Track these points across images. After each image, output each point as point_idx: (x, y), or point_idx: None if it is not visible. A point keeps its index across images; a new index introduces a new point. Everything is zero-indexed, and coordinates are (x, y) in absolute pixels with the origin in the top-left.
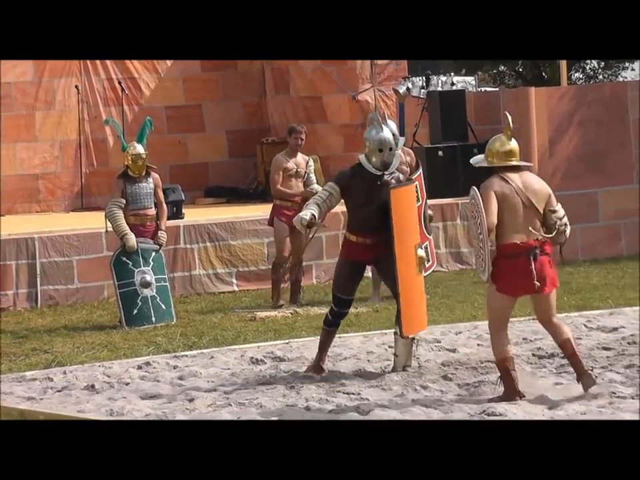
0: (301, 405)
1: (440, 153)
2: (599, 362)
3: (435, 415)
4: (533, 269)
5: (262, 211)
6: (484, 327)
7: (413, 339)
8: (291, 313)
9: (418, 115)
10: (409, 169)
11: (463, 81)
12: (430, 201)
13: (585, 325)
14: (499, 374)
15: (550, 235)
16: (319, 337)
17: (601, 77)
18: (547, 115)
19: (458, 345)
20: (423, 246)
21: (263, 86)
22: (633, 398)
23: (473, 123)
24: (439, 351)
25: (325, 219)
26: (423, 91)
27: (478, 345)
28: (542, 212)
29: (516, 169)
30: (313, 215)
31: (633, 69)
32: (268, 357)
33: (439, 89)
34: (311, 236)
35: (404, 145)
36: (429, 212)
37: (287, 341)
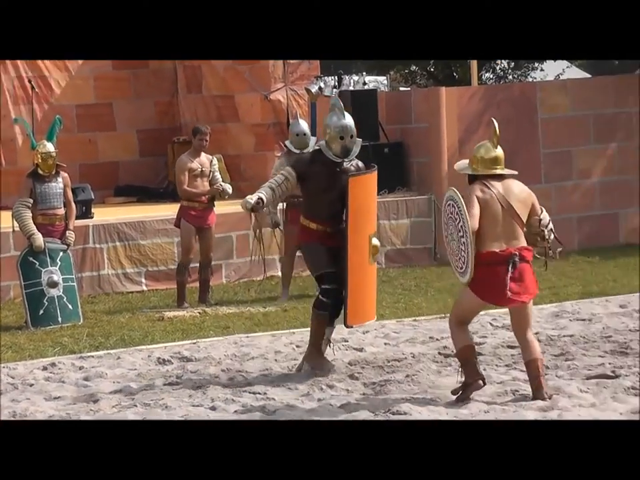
0: (207, 405)
1: None
2: (504, 360)
3: (341, 414)
4: (508, 281)
5: (172, 210)
6: (391, 326)
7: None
8: (199, 313)
9: None
10: None
11: (375, 81)
12: None
13: (490, 324)
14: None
15: (536, 247)
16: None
17: (510, 77)
18: (457, 114)
19: (365, 344)
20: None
21: (175, 85)
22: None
23: (384, 122)
24: (346, 350)
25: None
26: (335, 90)
27: (385, 343)
28: (524, 219)
29: (500, 177)
30: (260, 198)
31: (542, 70)
32: (175, 357)
33: (351, 88)
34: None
35: (315, 145)
36: None
37: (195, 341)
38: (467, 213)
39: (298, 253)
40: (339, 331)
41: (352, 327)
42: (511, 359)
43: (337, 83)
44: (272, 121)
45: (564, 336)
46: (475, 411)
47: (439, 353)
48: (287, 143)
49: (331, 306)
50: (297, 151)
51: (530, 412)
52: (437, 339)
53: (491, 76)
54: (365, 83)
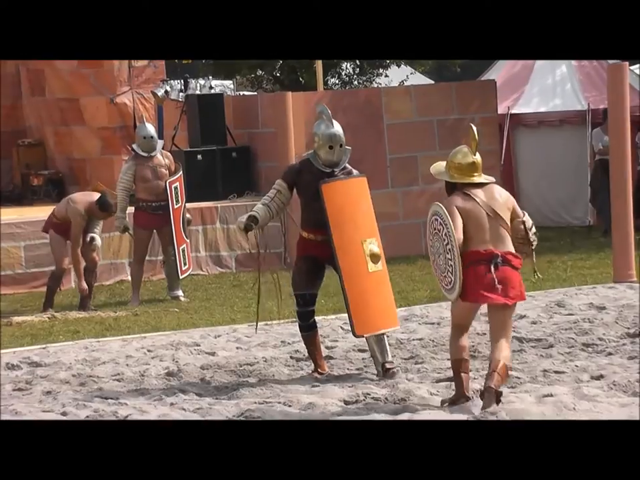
0: (58, 411)
1: (199, 156)
2: (355, 364)
3: (195, 417)
4: (494, 276)
5: (17, 214)
6: (243, 330)
7: (383, 334)
8: (49, 317)
9: (177, 118)
10: (168, 172)
11: (222, 85)
12: (189, 205)
13: (341, 328)
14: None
15: (523, 250)
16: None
17: (356, 82)
18: (304, 119)
19: (217, 349)
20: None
21: (19, 87)
22: (386, 399)
23: (231, 126)
24: (198, 354)
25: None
26: (181, 94)
27: (237, 348)
28: (509, 224)
29: (478, 185)
30: (253, 217)
31: (386, 75)
32: (24, 363)
33: (198, 92)
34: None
35: (162, 148)
36: (187, 215)
37: (44, 345)
38: (453, 229)
39: (147, 257)
40: (191, 335)
41: (362, 337)
42: (362, 362)
43: (183, 87)
44: (118, 124)
45: (413, 339)
46: (327, 413)
47: (291, 357)
48: (134, 146)
49: (313, 327)
50: (145, 154)
51: (380, 415)
52: (289, 343)
53: (337, 81)
54: (211, 87)
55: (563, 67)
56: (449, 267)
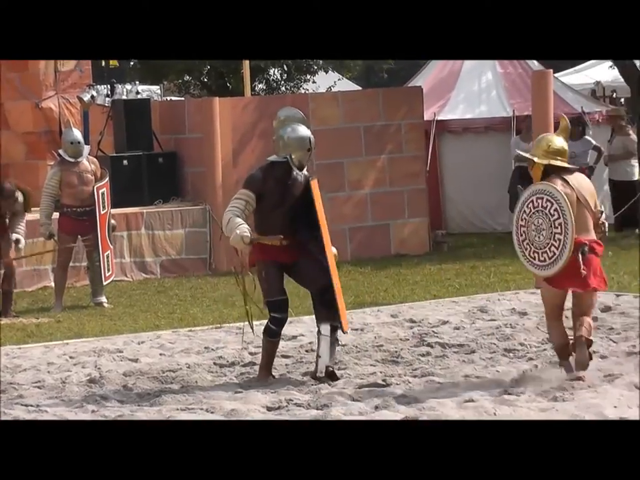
0: None
1: (125, 162)
2: (278, 369)
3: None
4: (581, 264)
5: None
6: (166, 336)
7: (337, 339)
8: None
9: (103, 123)
10: (94, 177)
11: (149, 90)
12: (114, 210)
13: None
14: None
15: (600, 235)
16: None
17: (283, 88)
18: (231, 125)
19: (140, 355)
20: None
21: None
22: (309, 405)
23: (158, 132)
24: (121, 360)
25: None
26: (107, 99)
27: (160, 354)
28: (594, 210)
29: (567, 169)
30: (248, 228)
31: (314, 82)
32: None
33: (124, 97)
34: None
35: (88, 154)
36: (112, 222)
37: None
38: (569, 209)
39: (71, 263)
40: (114, 341)
41: (347, 333)
42: (285, 369)
43: (109, 92)
44: (43, 129)
45: (337, 345)
46: (257, 416)
47: (214, 363)
48: (61, 151)
49: (280, 335)
50: (71, 160)
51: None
52: (212, 349)
53: (264, 87)
54: (138, 92)
55: (488, 74)
56: (554, 241)
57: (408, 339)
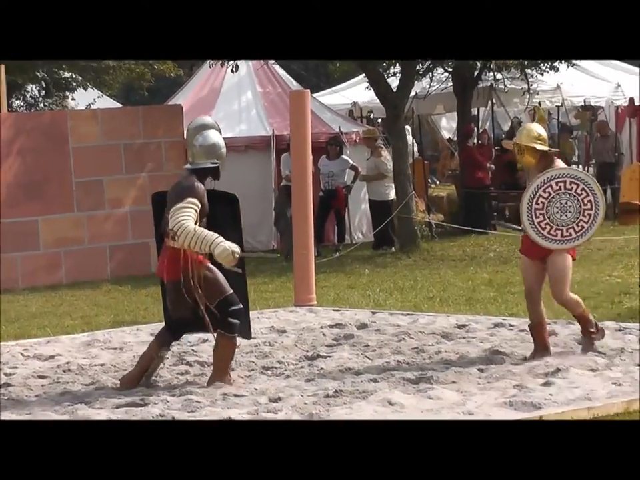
0: None
1: None
2: (34, 390)
3: None
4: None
5: None
6: None
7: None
8: None
9: None
10: None
11: None
12: None
13: (21, 354)
14: None
15: None
16: None
17: (42, 105)
18: None
19: None
20: None
21: None
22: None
23: None
24: None
25: None
26: None
27: None
28: None
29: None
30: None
31: (73, 99)
32: None
33: None
34: None
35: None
36: None
37: None
38: (602, 194)
39: None
40: None
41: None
42: (41, 389)
43: None
44: None
45: (95, 365)
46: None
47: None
48: None
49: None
50: None
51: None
52: None
53: (22, 103)
54: None
55: (248, 93)
56: (584, 216)
57: (167, 358)
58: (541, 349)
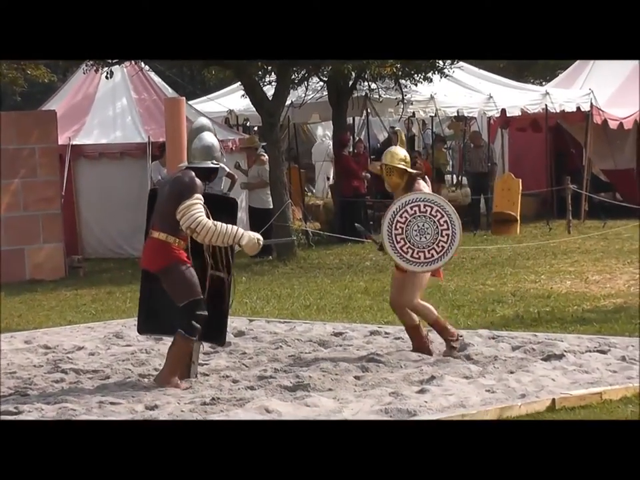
0: None
1: None
2: None
3: None
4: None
5: None
6: None
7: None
8: None
9: None
10: None
11: None
12: None
13: None
14: None
15: None
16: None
17: None
18: None
19: None
20: None
21: None
22: None
23: None
24: None
25: None
26: None
27: None
28: None
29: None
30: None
31: None
32: None
33: None
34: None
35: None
36: None
37: None
38: (456, 214)
39: None
40: None
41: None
42: None
43: None
44: None
45: None
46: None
47: None
48: None
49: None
50: None
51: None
52: None
53: None
54: None
55: (123, 100)
56: (442, 237)
57: (42, 366)
58: (422, 350)
